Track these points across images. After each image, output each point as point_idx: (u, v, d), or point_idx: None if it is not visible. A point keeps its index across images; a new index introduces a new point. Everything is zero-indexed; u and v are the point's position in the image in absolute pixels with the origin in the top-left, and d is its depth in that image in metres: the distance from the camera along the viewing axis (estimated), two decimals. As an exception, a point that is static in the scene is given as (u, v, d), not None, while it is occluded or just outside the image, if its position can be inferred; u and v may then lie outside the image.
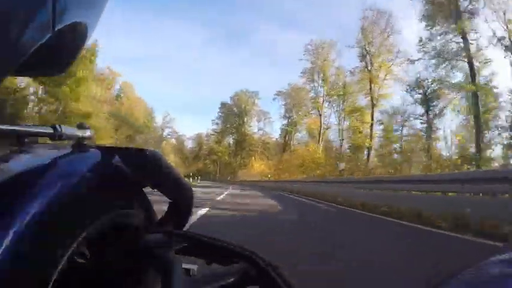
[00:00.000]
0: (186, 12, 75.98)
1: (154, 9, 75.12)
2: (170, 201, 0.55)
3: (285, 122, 48.01)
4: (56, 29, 0.31)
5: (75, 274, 0.44)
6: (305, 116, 46.38)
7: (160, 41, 78.54)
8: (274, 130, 62.73)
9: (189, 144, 70.36)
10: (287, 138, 49.45)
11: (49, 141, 0.45)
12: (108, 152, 0.45)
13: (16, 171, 0.36)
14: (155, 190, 0.51)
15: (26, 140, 0.44)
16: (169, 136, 67.00)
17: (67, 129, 0.46)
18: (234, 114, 59.06)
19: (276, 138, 52.15)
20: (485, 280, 0.26)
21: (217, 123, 63.38)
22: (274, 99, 48.78)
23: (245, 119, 58.44)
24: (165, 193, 0.52)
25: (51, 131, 0.44)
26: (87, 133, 0.48)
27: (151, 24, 77.58)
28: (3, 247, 0.29)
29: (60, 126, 0.45)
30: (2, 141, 0.44)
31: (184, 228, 0.57)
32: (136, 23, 78.33)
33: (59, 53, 0.40)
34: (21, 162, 0.42)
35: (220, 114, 63.06)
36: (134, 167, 0.46)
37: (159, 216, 0.54)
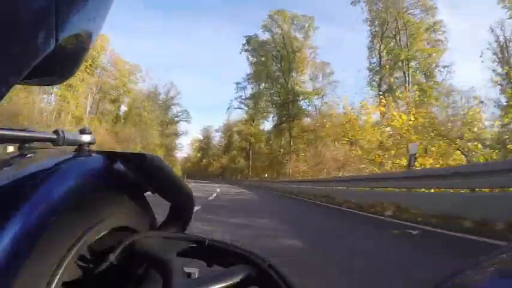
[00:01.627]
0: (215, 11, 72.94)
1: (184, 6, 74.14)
2: (171, 205, 0.64)
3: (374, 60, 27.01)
4: (59, 38, 0.35)
5: (76, 277, 0.51)
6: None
7: (187, 41, 79.63)
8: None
9: (218, 138, 55.35)
10: (387, 81, 26.11)
11: (51, 146, 0.53)
12: (109, 156, 0.54)
13: (18, 176, 0.42)
14: (156, 194, 0.60)
15: (28, 144, 0.50)
16: (177, 118, 47.94)
17: (69, 134, 0.52)
18: (272, 57, 26.32)
19: (342, 113, 26.96)
20: (485, 280, 0.28)
21: (243, 88, 41.52)
22: (352, 2, 26.98)
23: (292, 68, 25.36)
24: (165, 197, 0.61)
25: (53, 136, 0.50)
26: (89, 138, 0.55)
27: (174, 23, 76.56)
28: (4, 250, 0.33)
29: (62, 131, 0.51)
30: (4, 145, 0.49)
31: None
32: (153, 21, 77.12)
33: (62, 62, 0.46)
34: (23, 166, 0.48)
35: (248, 65, 39.18)
36: (135, 171, 0.54)
37: (159, 221, 0.65)
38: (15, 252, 0.33)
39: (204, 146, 58.47)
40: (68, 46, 0.39)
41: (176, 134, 50.97)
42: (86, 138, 0.54)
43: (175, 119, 49.20)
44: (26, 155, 0.47)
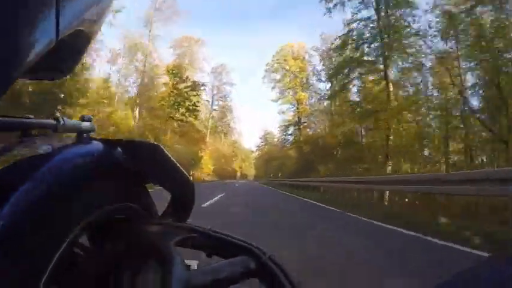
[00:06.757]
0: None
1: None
2: (171, 195, 0.64)
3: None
4: (60, 34, 0.35)
5: (75, 265, 0.51)
6: None
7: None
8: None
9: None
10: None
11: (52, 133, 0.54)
12: (109, 144, 0.54)
13: (17, 163, 0.42)
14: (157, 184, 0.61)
15: (28, 132, 0.50)
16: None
17: (69, 122, 0.53)
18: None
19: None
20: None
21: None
22: None
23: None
24: (166, 187, 0.62)
25: (53, 122, 0.51)
26: (90, 125, 0.55)
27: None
28: (1, 236, 0.34)
29: (62, 118, 0.52)
30: (4, 132, 0.50)
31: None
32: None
33: (63, 58, 0.47)
34: (23, 153, 0.48)
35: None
36: (136, 160, 0.54)
37: (160, 211, 0.65)
38: (10, 238, 0.34)
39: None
40: (69, 41, 0.39)
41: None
42: (86, 125, 0.54)
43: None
44: (27, 142, 0.48)
